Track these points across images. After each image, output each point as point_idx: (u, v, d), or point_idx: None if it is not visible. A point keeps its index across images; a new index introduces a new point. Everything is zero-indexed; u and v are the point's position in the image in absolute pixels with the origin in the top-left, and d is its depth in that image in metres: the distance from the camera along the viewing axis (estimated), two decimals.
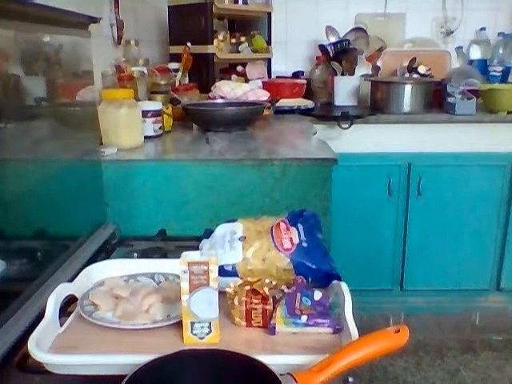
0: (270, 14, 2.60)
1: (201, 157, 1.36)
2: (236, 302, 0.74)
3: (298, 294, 0.77)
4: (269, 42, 2.62)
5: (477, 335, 2.28)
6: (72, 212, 1.09)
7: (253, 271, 0.83)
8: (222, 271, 0.81)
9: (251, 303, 0.74)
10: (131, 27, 1.98)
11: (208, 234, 0.92)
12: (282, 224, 0.88)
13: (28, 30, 0.90)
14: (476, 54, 2.71)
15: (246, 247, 0.85)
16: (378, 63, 2.60)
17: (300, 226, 0.89)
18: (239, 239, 0.86)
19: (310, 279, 0.82)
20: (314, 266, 0.83)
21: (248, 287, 0.74)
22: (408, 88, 2.19)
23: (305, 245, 0.85)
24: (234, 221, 0.92)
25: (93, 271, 0.88)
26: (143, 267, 0.90)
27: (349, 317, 0.72)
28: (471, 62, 2.69)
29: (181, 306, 0.69)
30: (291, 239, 0.86)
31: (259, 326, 0.74)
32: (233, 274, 0.83)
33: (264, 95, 1.97)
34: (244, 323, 0.75)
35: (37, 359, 0.64)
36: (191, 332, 0.70)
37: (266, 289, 0.74)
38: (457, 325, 2.31)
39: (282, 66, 2.80)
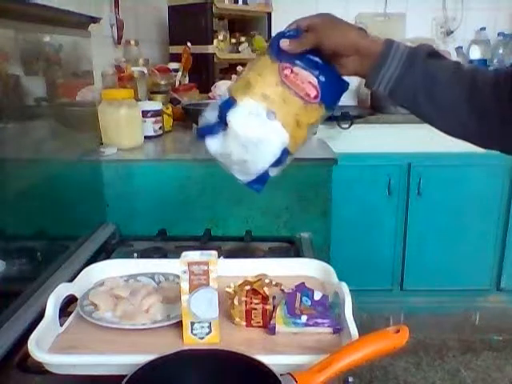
0: (269, 14, 2.60)
1: (201, 157, 1.36)
2: (236, 302, 0.74)
3: (298, 294, 0.77)
4: None
5: (477, 335, 2.28)
6: (72, 212, 1.09)
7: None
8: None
9: (251, 303, 0.74)
10: (131, 27, 1.98)
11: None
12: (285, 72, 0.69)
13: (28, 30, 0.90)
14: (476, 53, 2.71)
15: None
16: None
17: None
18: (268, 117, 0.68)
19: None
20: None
21: (248, 287, 0.74)
22: None
23: (322, 79, 0.71)
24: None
25: (93, 271, 0.88)
26: (143, 267, 0.90)
27: (349, 317, 0.72)
28: (471, 61, 2.69)
29: (181, 305, 0.69)
30: (310, 83, 0.70)
31: (259, 326, 0.74)
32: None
33: None
34: (244, 323, 0.75)
35: (37, 359, 0.64)
36: (191, 332, 0.70)
37: (266, 289, 0.74)
38: (457, 325, 2.31)
39: None
